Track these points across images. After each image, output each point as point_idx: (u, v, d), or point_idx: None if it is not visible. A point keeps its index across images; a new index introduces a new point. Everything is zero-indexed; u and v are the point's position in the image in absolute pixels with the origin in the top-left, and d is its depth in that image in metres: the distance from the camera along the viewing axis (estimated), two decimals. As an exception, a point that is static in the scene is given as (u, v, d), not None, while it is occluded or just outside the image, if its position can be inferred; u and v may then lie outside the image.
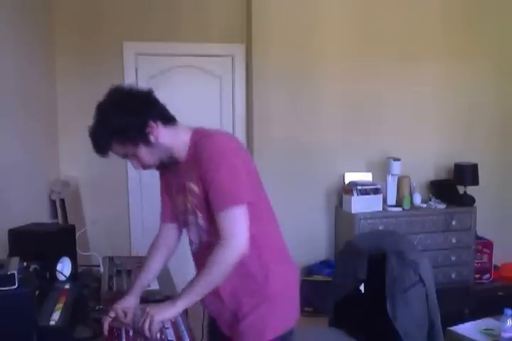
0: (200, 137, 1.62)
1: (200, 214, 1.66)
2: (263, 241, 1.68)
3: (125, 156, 1.64)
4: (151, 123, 1.58)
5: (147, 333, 1.52)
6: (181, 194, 1.70)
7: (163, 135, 1.60)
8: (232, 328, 1.72)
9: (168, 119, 1.64)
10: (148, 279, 1.84)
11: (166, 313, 1.55)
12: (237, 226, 1.55)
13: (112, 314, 1.70)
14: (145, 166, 1.67)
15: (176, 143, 1.63)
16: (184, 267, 3.69)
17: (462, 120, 4.63)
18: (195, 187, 1.62)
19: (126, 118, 1.54)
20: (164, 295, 1.95)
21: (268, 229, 1.72)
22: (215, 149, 1.57)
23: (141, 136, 1.57)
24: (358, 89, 4.35)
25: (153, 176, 3.93)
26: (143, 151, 1.60)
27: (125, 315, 1.69)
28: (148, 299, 1.90)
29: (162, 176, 1.84)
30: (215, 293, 1.68)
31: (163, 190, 1.86)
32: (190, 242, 1.77)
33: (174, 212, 1.82)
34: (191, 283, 1.58)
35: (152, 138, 1.58)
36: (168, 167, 1.71)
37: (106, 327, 1.67)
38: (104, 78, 3.99)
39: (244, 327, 1.67)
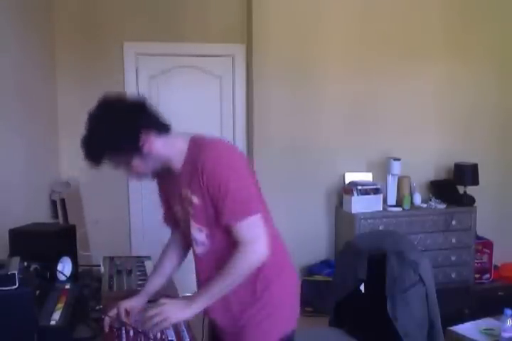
0: (199, 145, 1.58)
1: (196, 225, 1.63)
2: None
3: (118, 167, 1.61)
4: (144, 134, 1.53)
5: (150, 328, 1.51)
6: (178, 202, 1.68)
7: (157, 145, 1.56)
8: (232, 334, 1.71)
9: (163, 128, 1.59)
10: (160, 283, 1.83)
11: (183, 315, 1.54)
12: (257, 233, 1.55)
13: (114, 312, 1.69)
14: (139, 176, 1.66)
15: (171, 152, 1.60)
16: (184, 267, 3.69)
17: (462, 120, 4.63)
18: (194, 198, 1.58)
19: (118, 131, 1.50)
20: (164, 295, 1.95)
21: (269, 234, 1.67)
22: (216, 157, 1.54)
23: (134, 148, 1.53)
24: (358, 89, 4.35)
25: (153, 176, 3.80)
26: (136, 162, 1.57)
27: (127, 314, 1.69)
28: (149, 299, 1.90)
29: (159, 184, 1.82)
30: (217, 301, 1.65)
31: (162, 197, 1.84)
32: (192, 246, 1.74)
33: (175, 219, 1.80)
34: (210, 286, 1.57)
35: (145, 149, 1.54)
36: (163, 175, 1.68)
37: (106, 325, 1.68)
38: (105, 78, 3.99)
39: (246, 333, 1.66)
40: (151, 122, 1.56)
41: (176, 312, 1.53)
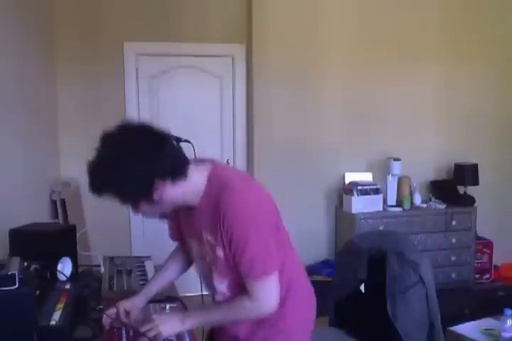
0: (219, 183, 1.44)
1: (218, 278, 1.59)
2: (284, 283, 1.58)
3: (124, 203, 1.45)
4: (159, 181, 1.37)
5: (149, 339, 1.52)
6: (197, 240, 1.57)
7: (170, 192, 1.40)
8: None
9: (180, 173, 1.40)
10: (161, 285, 1.82)
11: (173, 330, 1.54)
12: (270, 292, 1.50)
13: (113, 310, 1.69)
14: (146, 216, 1.55)
15: (185, 195, 1.45)
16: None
17: (462, 120, 4.63)
18: (218, 249, 1.49)
19: (128, 175, 1.32)
20: (164, 295, 1.95)
21: (286, 260, 1.61)
22: (240, 209, 1.40)
23: (143, 195, 1.38)
24: (358, 90, 4.35)
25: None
26: (143, 207, 1.44)
27: (127, 314, 1.69)
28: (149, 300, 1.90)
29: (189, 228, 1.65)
30: None
31: (172, 220, 1.69)
32: (211, 292, 1.69)
33: (183, 239, 1.72)
34: (208, 309, 1.57)
35: (156, 196, 1.39)
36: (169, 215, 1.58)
37: (106, 323, 1.68)
38: (105, 78, 4.00)
39: None
40: (169, 166, 1.37)
41: (168, 328, 1.52)
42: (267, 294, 1.49)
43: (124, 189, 1.35)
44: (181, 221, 1.63)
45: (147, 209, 1.45)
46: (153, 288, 1.80)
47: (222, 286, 1.59)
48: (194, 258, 1.68)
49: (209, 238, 1.50)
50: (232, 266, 1.50)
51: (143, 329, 1.51)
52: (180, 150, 1.43)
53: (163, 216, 1.55)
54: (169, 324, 1.53)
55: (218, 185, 1.43)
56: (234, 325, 1.63)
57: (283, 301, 1.56)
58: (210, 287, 1.65)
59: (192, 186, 1.44)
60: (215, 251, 1.50)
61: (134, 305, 1.72)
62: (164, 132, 1.42)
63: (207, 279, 1.65)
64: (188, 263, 1.82)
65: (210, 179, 1.46)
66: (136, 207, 1.46)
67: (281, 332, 1.63)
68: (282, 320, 1.61)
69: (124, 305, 1.71)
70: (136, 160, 1.32)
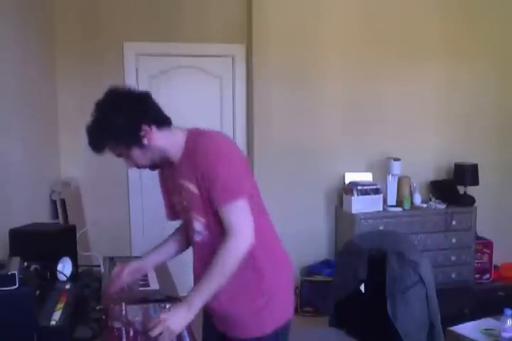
0: (194, 136, 1.66)
1: (194, 215, 1.68)
2: (260, 243, 1.65)
3: (119, 156, 1.67)
4: (145, 127, 1.61)
5: None
6: (177, 193, 1.73)
7: (156, 138, 1.63)
8: (228, 325, 1.74)
9: (163, 122, 1.66)
10: (161, 258, 1.92)
11: (184, 320, 1.55)
12: (243, 218, 1.59)
13: (118, 269, 1.81)
14: (138, 166, 1.70)
15: (170, 145, 1.66)
16: (184, 267, 3.69)
17: (462, 120, 4.63)
18: (190, 186, 1.64)
19: (120, 122, 1.57)
20: (164, 295, 1.96)
21: (259, 223, 1.68)
22: (209, 145, 1.61)
23: (134, 140, 1.61)
24: (358, 89, 4.35)
25: (153, 176, 3.92)
26: (136, 153, 1.63)
27: (128, 322, 1.68)
28: (149, 299, 1.91)
29: (160, 177, 1.87)
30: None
31: (163, 190, 1.88)
32: (191, 235, 1.77)
33: (175, 211, 1.84)
34: (201, 284, 1.58)
35: (145, 141, 1.61)
36: (162, 167, 1.75)
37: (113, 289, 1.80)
38: (105, 78, 3.98)
39: (242, 323, 1.70)
40: (152, 116, 1.64)
41: (179, 322, 1.54)
42: (240, 220, 1.58)
43: (118, 138, 1.59)
44: (168, 181, 1.79)
45: (139, 155, 1.64)
46: (156, 257, 1.89)
47: (199, 226, 1.69)
48: (180, 215, 1.80)
49: (187, 183, 1.65)
50: (207, 205, 1.63)
51: (153, 333, 1.50)
52: (161, 108, 1.69)
53: (153, 166, 1.72)
54: (177, 318, 1.54)
55: (195, 138, 1.65)
56: (214, 298, 1.63)
57: (260, 262, 1.67)
58: (191, 231, 1.73)
59: (174, 139, 1.66)
60: (190, 190, 1.64)
61: (140, 267, 1.83)
62: (147, 92, 1.68)
63: (187, 225, 1.75)
64: (186, 243, 1.88)
65: (188, 135, 1.67)
66: (129, 157, 1.65)
67: (262, 293, 1.69)
68: (262, 281, 1.69)
69: (130, 265, 1.81)
70: (123, 109, 1.59)
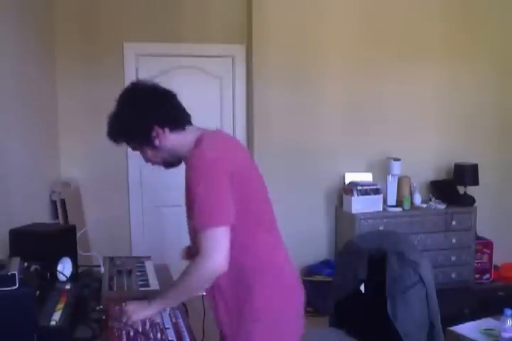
0: (196, 143, 1.61)
1: (188, 220, 1.69)
2: (246, 254, 1.63)
3: (134, 150, 1.71)
4: (158, 128, 1.62)
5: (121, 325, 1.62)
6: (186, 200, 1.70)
7: (168, 140, 1.64)
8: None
9: (178, 124, 1.66)
10: None
11: (142, 313, 1.62)
12: (215, 246, 1.49)
13: None
14: (152, 163, 1.73)
15: (181, 147, 1.65)
16: (184, 267, 3.69)
17: (462, 120, 4.63)
18: (187, 194, 1.63)
19: (133, 122, 1.61)
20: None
21: (254, 238, 1.65)
22: (197, 161, 1.54)
23: (146, 140, 1.64)
24: (358, 90, 4.35)
25: (152, 176, 3.96)
26: (148, 151, 1.68)
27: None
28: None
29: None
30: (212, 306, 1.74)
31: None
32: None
33: None
34: (170, 288, 1.63)
35: (157, 142, 1.64)
36: (175, 165, 1.75)
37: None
38: (105, 79, 3.99)
39: None
40: (167, 118, 1.64)
41: (136, 311, 1.61)
42: (211, 248, 1.49)
43: (130, 136, 1.64)
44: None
45: (152, 155, 1.68)
46: None
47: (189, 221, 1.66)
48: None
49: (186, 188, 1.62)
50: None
51: (118, 314, 1.66)
52: (182, 108, 1.69)
53: (166, 165, 1.73)
54: (138, 309, 1.62)
55: (195, 145, 1.61)
56: (219, 323, 1.69)
57: (250, 288, 1.62)
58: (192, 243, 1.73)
59: (185, 141, 1.64)
60: (187, 196, 1.62)
61: None
62: (171, 91, 1.69)
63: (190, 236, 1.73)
64: None
65: (197, 139, 1.63)
66: (143, 153, 1.70)
67: (254, 318, 1.64)
68: (252, 302, 1.63)
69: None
70: (139, 108, 1.61)
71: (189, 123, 1.70)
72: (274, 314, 1.66)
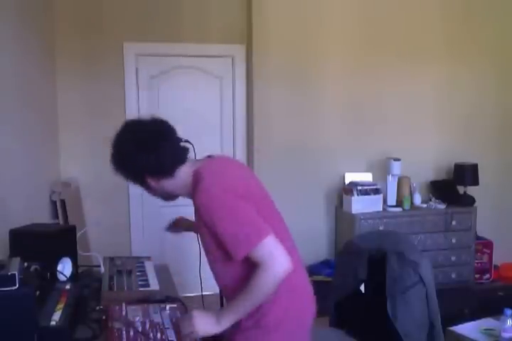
0: (196, 180, 1.60)
1: (210, 254, 1.67)
2: None
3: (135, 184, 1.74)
4: (149, 179, 1.66)
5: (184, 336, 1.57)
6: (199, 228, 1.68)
7: (163, 185, 1.67)
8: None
9: (165, 173, 1.64)
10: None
11: (211, 330, 1.56)
12: (273, 254, 1.50)
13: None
14: (154, 197, 1.78)
15: (178, 189, 1.69)
16: (184, 267, 3.69)
17: (462, 120, 4.63)
18: (203, 229, 1.60)
19: (128, 168, 1.65)
20: (164, 295, 1.96)
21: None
22: (205, 203, 1.54)
23: (141, 184, 1.70)
24: (358, 90, 4.35)
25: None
26: (146, 189, 1.73)
27: (128, 323, 1.68)
28: (149, 299, 1.91)
29: None
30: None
31: None
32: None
33: None
34: (236, 303, 1.56)
35: (152, 185, 1.68)
36: (174, 199, 1.79)
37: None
38: (105, 79, 3.99)
39: None
40: (156, 170, 1.63)
41: (204, 327, 1.55)
42: (268, 255, 1.49)
43: (124, 176, 1.69)
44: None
45: (149, 192, 1.74)
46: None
47: (216, 266, 1.67)
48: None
49: (199, 223, 1.62)
50: (215, 244, 1.59)
51: (182, 324, 1.56)
52: (175, 151, 1.65)
53: (166, 199, 1.78)
54: (206, 325, 1.55)
55: (196, 180, 1.60)
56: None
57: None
58: (213, 272, 1.71)
59: (179, 182, 1.66)
60: (202, 233, 1.63)
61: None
62: (164, 132, 1.64)
63: (209, 264, 1.71)
64: None
65: (193, 175, 1.64)
66: (143, 187, 1.74)
67: (259, 326, 1.63)
68: (261, 313, 1.62)
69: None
70: (129, 162, 1.62)
71: (183, 162, 1.66)
72: (284, 328, 1.65)
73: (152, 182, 1.66)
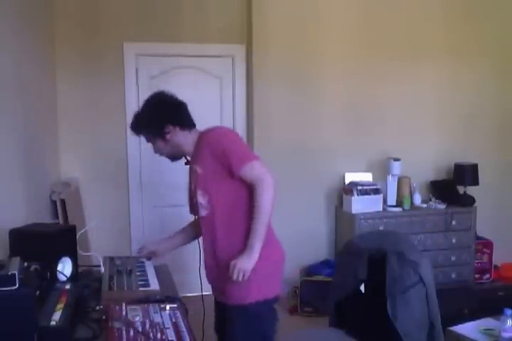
0: (204, 132, 2.11)
1: (199, 191, 2.07)
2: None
3: (148, 141, 2.17)
4: (170, 126, 2.09)
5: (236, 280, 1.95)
6: (192, 180, 2.15)
7: (176, 136, 2.11)
8: (222, 293, 2.10)
9: (186, 125, 2.13)
10: (178, 244, 2.37)
11: (251, 261, 1.93)
12: (261, 171, 1.96)
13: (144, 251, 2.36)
14: (160, 153, 2.17)
15: (185, 143, 2.13)
16: (184, 267, 3.69)
17: (462, 120, 4.63)
18: (198, 168, 2.06)
19: (154, 119, 2.09)
20: (164, 295, 1.96)
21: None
22: (218, 132, 2.08)
23: (160, 134, 2.10)
24: (358, 90, 4.35)
25: (153, 177, 3.97)
26: (159, 143, 2.13)
27: (128, 323, 1.69)
28: (149, 299, 1.91)
29: (189, 175, 2.22)
30: (209, 265, 2.14)
31: (188, 187, 2.23)
32: (199, 212, 2.14)
33: (193, 203, 2.19)
34: (253, 230, 1.94)
35: (168, 137, 2.10)
36: (178, 159, 2.20)
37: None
38: (105, 79, 4.00)
39: (230, 291, 2.04)
40: (178, 119, 2.12)
41: (246, 264, 1.93)
42: (259, 172, 1.96)
43: (148, 129, 2.13)
44: (189, 175, 2.19)
45: (162, 147, 2.14)
46: (175, 241, 2.36)
47: (204, 200, 2.07)
48: (193, 201, 2.17)
49: (195, 166, 2.09)
50: (208, 182, 2.03)
51: (233, 276, 1.94)
52: (190, 115, 2.17)
53: (171, 157, 2.19)
54: (245, 260, 1.93)
55: (202, 135, 2.09)
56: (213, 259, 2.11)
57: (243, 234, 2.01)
58: (198, 206, 2.11)
59: (190, 139, 2.14)
60: (196, 171, 2.07)
61: (160, 249, 2.35)
62: (184, 103, 2.17)
63: (195, 203, 2.13)
64: (196, 233, 2.30)
65: (199, 136, 2.13)
66: (154, 145, 2.15)
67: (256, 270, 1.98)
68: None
69: (152, 247, 2.36)
70: (158, 110, 2.11)
71: (194, 127, 2.16)
72: (269, 265, 2.05)
73: (170, 133, 2.08)
